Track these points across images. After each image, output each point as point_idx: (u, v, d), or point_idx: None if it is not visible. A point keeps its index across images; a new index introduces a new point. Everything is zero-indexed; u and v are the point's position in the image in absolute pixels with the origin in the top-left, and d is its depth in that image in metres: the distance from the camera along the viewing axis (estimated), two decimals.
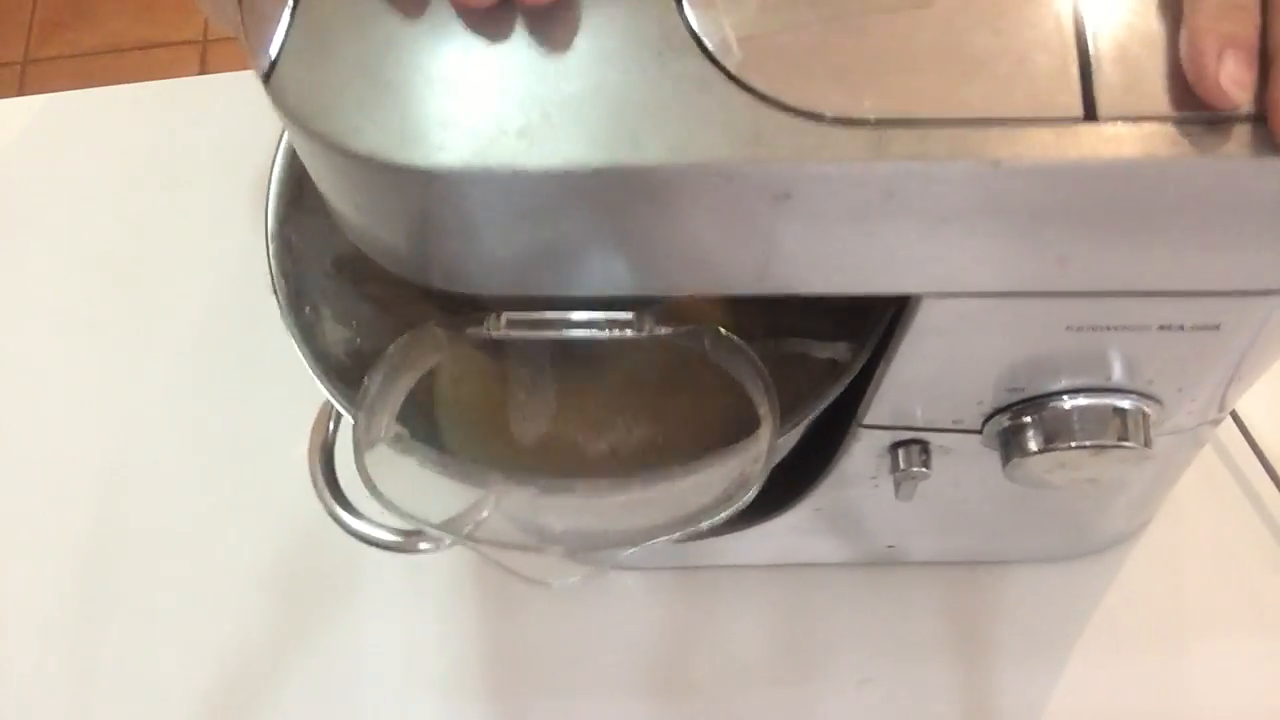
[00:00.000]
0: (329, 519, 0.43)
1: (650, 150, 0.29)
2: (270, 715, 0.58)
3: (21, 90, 1.60)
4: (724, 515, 0.35)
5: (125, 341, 0.69)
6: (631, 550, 0.35)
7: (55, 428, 0.67)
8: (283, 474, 0.62)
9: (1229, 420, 0.59)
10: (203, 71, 1.60)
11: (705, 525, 0.35)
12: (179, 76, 0.81)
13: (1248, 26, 0.29)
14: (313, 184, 0.34)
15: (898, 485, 0.46)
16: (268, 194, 0.42)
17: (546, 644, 0.59)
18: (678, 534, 0.35)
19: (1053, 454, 0.40)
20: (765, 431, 0.36)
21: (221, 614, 0.61)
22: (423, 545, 0.41)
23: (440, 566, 0.61)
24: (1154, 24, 0.30)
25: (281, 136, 0.43)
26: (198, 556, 0.62)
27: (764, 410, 0.36)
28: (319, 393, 0.41)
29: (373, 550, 0.42)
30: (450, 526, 0.38)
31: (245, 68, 0.31)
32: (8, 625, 0.62)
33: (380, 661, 0.59)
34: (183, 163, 0.74)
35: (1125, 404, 0.40)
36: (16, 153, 0.76)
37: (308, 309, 0.42)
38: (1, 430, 0.67)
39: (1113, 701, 0.56)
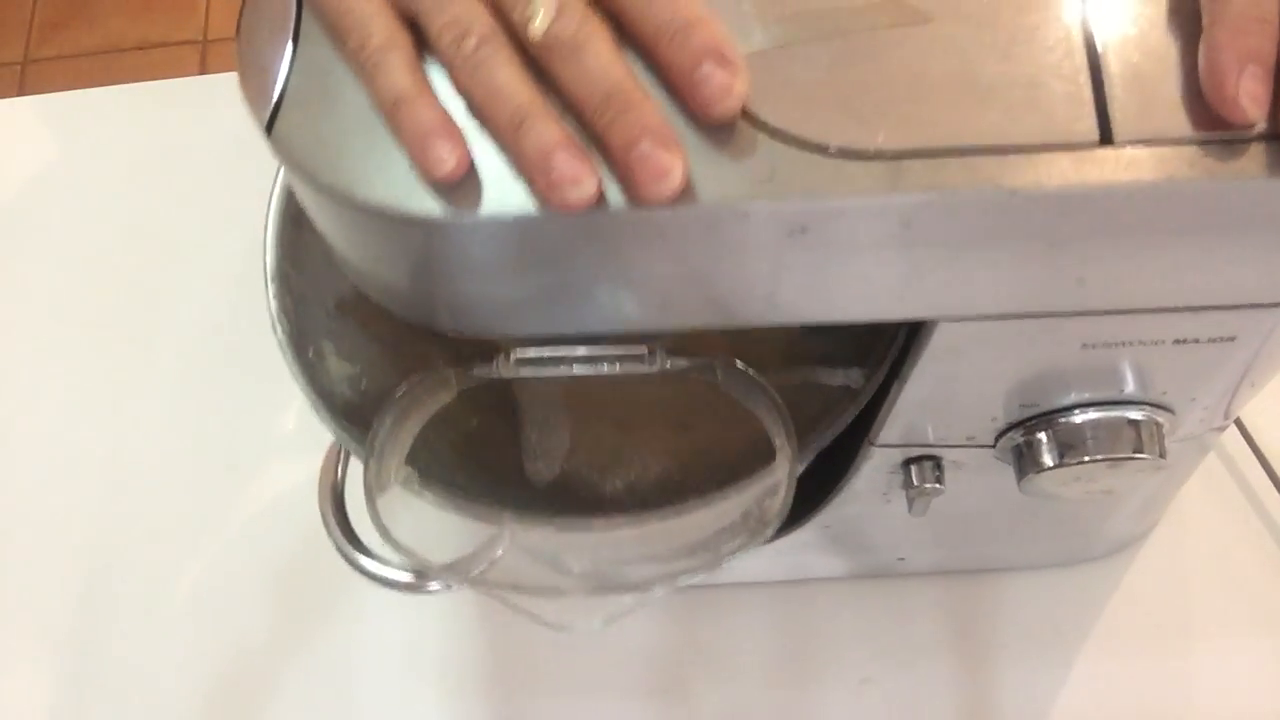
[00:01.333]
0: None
1: None
2: (271, 715, 0.58)
3: (21, 90, 1.59)
4: (748, 548, 0.35)
5: (126, 341, 0.68)
6: (659, 592, 0.34)
7: (55, 427, 0.66)
8: (283, 473, 0.62)
9: (1231, 425, 0.58)
10: (203, 71, 1.58)
11: (728, 560, 0.34)
12: (179, 76, 0.80)
13: (1269, 42, 0.28)
14: (310, 222, 0.33)
15: (911, 501, 0.46)
16: (265, 235, 0.42)
17: (547, 645, 0.58)
18: (700, 571, 0.34)
19: (1068, 468, 0.40)
20: (782, 462, 0.35)
21: (222, 614, 0.60)
22: (436, 586, 0.40)
23: None
24: (1165, 45, 0.29)
25: (278, 174, 0.43)
26: (197, 557, 0.62)
27: (780, 442, 0.35)
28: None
29: None
30: (464, 567, 0.37)
31: None
32: (8, 625, 0.61)
33: (380, 661, 0.59)
34: (183, 163, 0.73)
35: (1139, 415, 0.40)
36: (16, 153, 0.75)
37: (310, 350, 0.41)
38: (0, 430, 0.67)
39: (1116, 703, 0.56)
